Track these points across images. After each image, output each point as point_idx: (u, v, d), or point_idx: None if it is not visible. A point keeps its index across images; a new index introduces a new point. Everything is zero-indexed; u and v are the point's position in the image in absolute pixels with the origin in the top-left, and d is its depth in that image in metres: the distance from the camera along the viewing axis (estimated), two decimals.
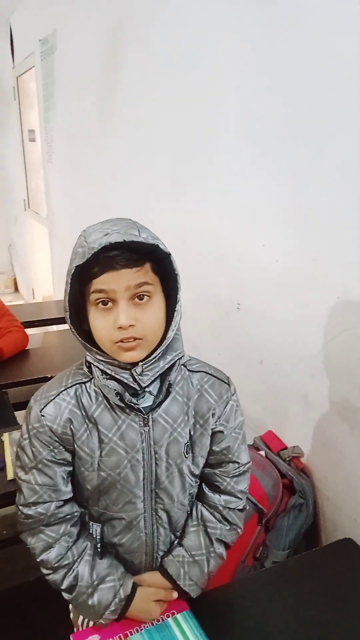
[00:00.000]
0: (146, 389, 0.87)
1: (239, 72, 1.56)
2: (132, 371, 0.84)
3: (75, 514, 0.95)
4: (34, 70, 3.77)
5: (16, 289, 6.06)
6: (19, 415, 2.34)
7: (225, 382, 0.97)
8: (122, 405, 0.86)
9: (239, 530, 1.03)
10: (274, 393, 1.63)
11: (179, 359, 0.88)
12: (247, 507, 1.46)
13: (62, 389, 0.89)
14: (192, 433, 0.94)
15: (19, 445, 0.92)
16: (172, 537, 1.01)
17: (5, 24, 4.38)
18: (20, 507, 0.92)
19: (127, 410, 0.87)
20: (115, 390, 0.84)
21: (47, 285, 4.62)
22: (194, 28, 1.77)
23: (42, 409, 0.88)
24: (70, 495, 0.94)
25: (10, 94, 4.68)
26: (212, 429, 0.95)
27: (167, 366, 0.86)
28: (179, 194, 2.05)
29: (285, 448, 1.59)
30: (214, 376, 0.97)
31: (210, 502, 1.01)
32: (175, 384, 0.90)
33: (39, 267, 4.88)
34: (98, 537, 0.96)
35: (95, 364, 0.85)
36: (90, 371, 0.89)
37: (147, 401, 0.89)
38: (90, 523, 0.96)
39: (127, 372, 0.84)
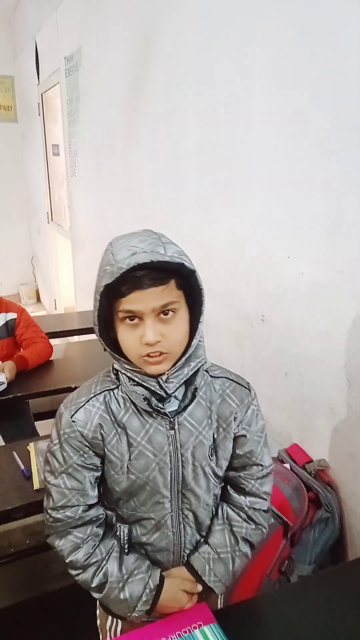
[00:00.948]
0: (172, 395, 0.90)
1: (267, 84, 1.58)
2: (159, 379, 0.88)
3: (101, 516, 0.98)
4: (59, 87, 3.86)
5: (38, 300, 6.15)
6: (41, 425, 2.37)
7: (245, 387, 1.00)
8: (150, 410, 0.89)
9: (264, 530, 1.05)
10: (299, 405, 1.62)
11: (202, 365, 0.91)
12: (272, 520, 1.46)
13: (92, 395, 0.93)
14: (215, 436, 0.97)
15: (48, 451, 0.95)
16: (198, 536, 1.03)
17: (31, 42, 4.50)
18: (49, 511, 0.95)
19: (154, 415, 0.91)
20: (143, 395, 0.88)
21: (69, 296, 4.68)
22: (220, 41, 1.79)
23: (73, 414, 0.91)
24: (96, 500, 0.97)
25: (35, 110, 4.79)
26: (234, 433, 0.98)
27: (191, 373, 0.90)
28: (204, 205, 2.07)
29: (311, 461, 1.58)
30: (235, 382, 1.00)
31: (236, 503, 1.04)
32: (199, 388, 0.93)
33: (61, 279, 4.95)
34: (125, 539, 0.98)
35: (123, 371, 0.89)
36: (118, 378, 0.93)
37: (172, 405, 0.93)
38: (118, 525, 0.99)
39: (153, 380, 0.88)
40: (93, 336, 3.37)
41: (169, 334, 0.84)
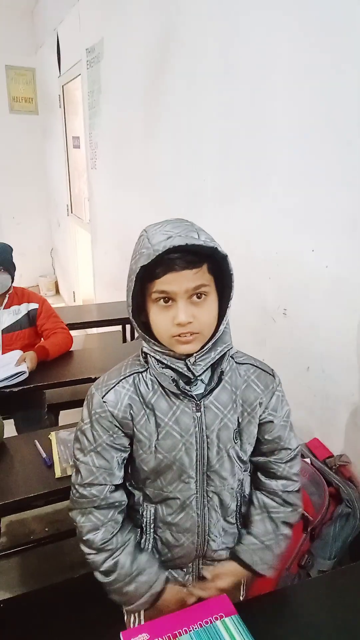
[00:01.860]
0: (198, 378, 0.93)
1: (289, 76, 1.56)
2: (187, 361, 0.91)
3: (123, 502, 1.01)
4: (80, 79, 3.86)
5: (57, 292, 6.19)
6: (64, 415, 2.39)
7: (270, 374, 1.03)
8: (177, 392, 0.92)
9: (299, 510, 1.09)
10: (321, 400, 1.61)
11: (228, 350, 0.94)
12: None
13: (122, 377, 0.96)
14: (240, 420, 0.99)
15: (79, 429, 0.98)
16: (224, 522, 1.05)
17: (52, 35, 4.50)
18: (77, 487, 0.98)
19: (181, 397, 0.94)
20: (171, 377, 0.91)
21: (88, 288, 4.71)
22: (242, 32, 1.78)
23: (104, 395, 0.95)
24: (121, 481, 1.00)
25: (55, 102, 4.81)
26: (260, 419, 1.01)
27: (217, 357, 0.93)
28: (225, 198, 2.06)
29: (332, 456, 1.57)
30: (259, 368, 1.02)
31: (269, 488, 1.07)
32: (225, 373, 0.96)
33: (80, 271, 4.98)
34: (152, 518, 1.02)
35: (152, 354, 0.93)
36: (147, 362, 0.96)
37: (199, 389, 0.95)
38: (145, 504, 1.02)
39: (181, 362, 0.91)
40: (111, 328, 3.39)
41: (200, 316, 0.87)
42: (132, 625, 1.12)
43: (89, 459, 0.97)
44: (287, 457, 1.06)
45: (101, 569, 0.98)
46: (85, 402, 0.99)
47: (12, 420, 2.27)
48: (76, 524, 1.00)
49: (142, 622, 1.03)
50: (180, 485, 0.98)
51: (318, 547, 1.44)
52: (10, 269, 2.19)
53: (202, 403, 0.95)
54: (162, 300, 0.87)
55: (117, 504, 1.00)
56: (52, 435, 1.69)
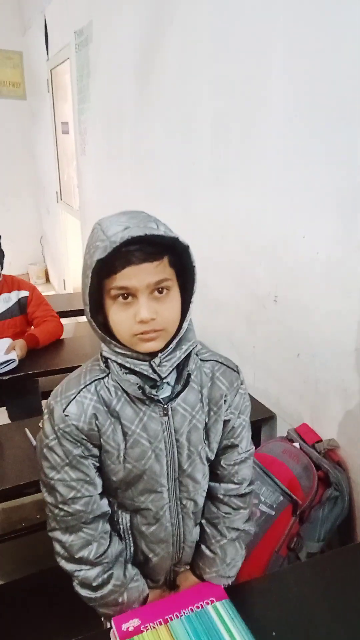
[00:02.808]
0: (165, 380, 0.88)
1: (284, 54, 1.54)
2: (151, 362, 0.85)
3: (108, 512, 0.96)
4: (69, 62, 3.79)
5: (47, 280, 6.15)
6: None
7: (235, 371, 0.99)
8: (143, 397, 0.87)
9: (245, 512, 1.06)
10: (311, 386, 1.62)
11: (193, 348, 0.89)
12: (281, 498, 1.47)
13: (82, 386, 0.89)
14: (207, 420, 0.96)
15: (46, 446, 0.90)
16: (197, 528, 1.04)
17: (40, 16, 4.41)
18: (59, 505, 0.91)
19: (147, 402, 0.89)
20: (137, 384, 0.85)
21: (78, 276, 4.65)
22: (234, 11, 1.75)
23: (65, 408, 0.88)
24: (102, 488, 0.95)
25: (44, 87, 4.73)
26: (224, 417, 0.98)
27: (183, 356, 0.88)
28: (217, 182, 2.04)
29: (320, 440, 1.59)
30: (224, 364, 0.99)
31: (212, 492, 1.05)
32: (191, 373, 0.91)
33: (70, 259, 4.94)
34: (128, 525, 0.98)
35: (114, 358, 0.86)
36: (107, 366, 0.90)
37: (165, 392, 0.91)
38: (120, 512, 0.98)
39: (146, 364, 0.85)
40: None
41: (163, 312, 0.82)
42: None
43: (64, 475, 0.89)
44: (237, 459, 1.02)
45: (94, 584, 0.93)
46: (45, 417, 0.91)
47: (3, 409, 2.27)
48: (62, 543, 0.93)
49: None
50: (152, 495, 0.94)
51: (307, 529, 1.46)
52: None
53: (169, 406, 0.90)
54: (121, 297, 0.81)
55: (103, 514, 0.95)
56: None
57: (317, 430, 1.62)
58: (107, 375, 0.90)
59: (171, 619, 0.94)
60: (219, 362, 0.98)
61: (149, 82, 2.52)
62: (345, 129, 1.35)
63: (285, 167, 1.61)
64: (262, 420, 1.86)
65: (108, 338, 0.85)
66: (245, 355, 1.93)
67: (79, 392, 0.88)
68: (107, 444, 0.90)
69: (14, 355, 2.04)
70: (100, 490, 0.94)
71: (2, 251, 2.20)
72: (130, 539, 1.00)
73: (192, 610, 0.96)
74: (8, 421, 2.18)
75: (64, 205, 4.79)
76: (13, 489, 1.44)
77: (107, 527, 0.96)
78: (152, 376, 0.86)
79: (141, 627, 0.92)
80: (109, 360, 0.88)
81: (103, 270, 0.79)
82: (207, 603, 0.98)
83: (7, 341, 2.14)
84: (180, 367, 0.90)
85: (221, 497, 1.04)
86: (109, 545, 0.95)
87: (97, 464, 0.93)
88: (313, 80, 1.44)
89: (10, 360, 2.03)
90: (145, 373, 0.85)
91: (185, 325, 0.86)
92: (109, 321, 0.84)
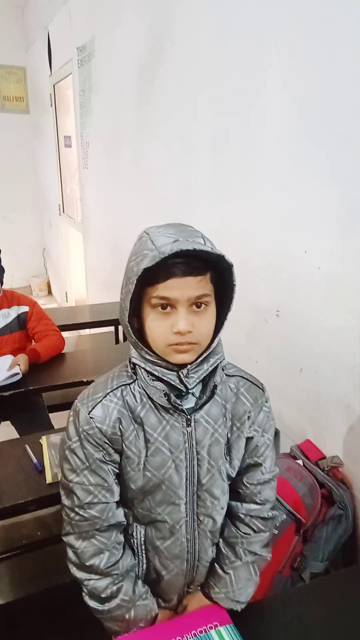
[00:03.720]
0: (190, 391, 0.89)
1: (283, 72, 1.55)
2: (179, 373, 0.87)
3: (123, 522, 0.96)
4: (71, 77, 3.83)
5: (49, 292, 6.16)
6: (54, 417, 2.37)
7: (259, 388, 1.00)
8: (168, 406, 0.88)
9: (265, 535, 1.04)
10: (314, 402, 1.60)
11: (220, 362, 0.91)
12: (284, 516, 1.45)
13: (109, 390, 0.91)
14: (229, 435, 0.96)
15: (68, 448, 0.92)
16: (214, 548, 1.02)
17: (43, 32, 4.47)
18: (76, 509, 0.92)
19: (171, 411, 0.89)
20: (163, 391, 0.87)
21: (81, 289, 4.68)
22: (234, 28, 1.76)
23: (90, 411, 0.89)
24: (119, 497, 0.95)
25: (47, 101, 4.77)
26: (247, 434, 0.98)
27: (210, 369, 0.89)
28: (217, 197, 2.04)
29: (324, 457, 1.56)
30: (249, 381, 1.00)
31: (233, 511, 1.03)
32: (217, 386, 0.92)
33: (72, 271, 4.95)
34: (142, 539, 0.97)
35: (142, 365, 0.88)
36: (135, 373, 0.91)
37: (189, 402, 0.92)
38: (135, 525, 0.97)
39: (173, 374, 0.87)
40: (104, 329, 3.36)
41: (199, 326, 0.83)
42: None
43: (83, 479, 0.91)
44: (260, 479, 1.01)
45: (102, 595, 0.93)
46: (70, 419, 0.93)
47: (7, 423, 2.26)
48: (76, 549, 0.93)
49: None
50: (169, 507, 0.94)
51: (310, 549, 1.44)
52: None
53: (192, 417, 0.91)
54: (160, 307, 0.82)
55: (118, 523, 0.95)
56: (43, 440, 1.67)
57: (320, 446, 1.60)
58: (134, 381, 0.91)
59: None
60: (244, 378, 0.99)
61: (149, 97, 2.54)
62: (345, 145, 1.34)
63: (285, 182, 1.61)
64: None
65: (140, 344, 0.87)
66: (248, 370, 1.90)
67: (105, 396, 0.90)
68: (128, 449, 0.90)
69: (17, 369, 2.03)
70: (117, 498, 0.94)
71: (2, 267, 2.20)
72: (144, 554, 0.99)
73: (194, 635, 0.95)
74: (11, 437, 2.16)
75: (66, 218, 4.81)
76: (10, 508, 1.42)
77: (121, 538, 0.96)
78: (178, 386, 0.87)
79: None
80: (137, 367, 0.90)
81: (146, 278, 0.80)
82: (211, 627, 0.96)
83: (8, 358, 2.13)
84: (206, 379, 0.91)
85: (242, 516, 1.02)
86: (121, 557, 0.95)
87: (117, 471, 0.93)
88: (312, 96, 1.44)
89: (14, 373, 2.02)
90: (173, 383, 0.87)
91: (217, 339, 0.88)
92: (145, 328, 0.86)
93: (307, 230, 1.53)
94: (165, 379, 0.87)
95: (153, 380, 0.88)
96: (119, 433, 0.90)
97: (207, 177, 2.10)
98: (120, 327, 3.07)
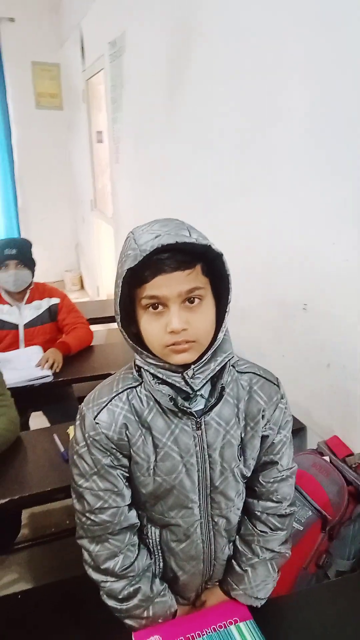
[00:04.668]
0: (198, 392, 0.85)
1: (307, 67, 1.53)
2: (184, 374, 0.83)
3: (137, 524, 0.95)
4: (103, 73, 3.85)
5: (82, 287, 6.24)
6: None
7: (274, 384, 0.95)
8: (175, 409, 0.84)
9: (283, 533, 1.02)
10: (341, 398, 1.58)
11: (229, 360, 0.86)
12: (310, 513, 1.43)
13: (114, 394, 0.88)
14: (243, 435, 0.93)
15: (76, 453, 0.90)
16: (230, 545, 1.02)
17: (76, 29, 4.51)
18: (87, 514, 0.90)
19: (180, 415, 0.86)
20: (169, 395, 0.83)
21: (111, 283, 4.70)
22: (261, 24, 1.74)
23: (96, 416, 0.87)
24: (130, 500, 0.93)
25: (80, 97, 4.82)
26: (261, 433, 0.94)
27: (217, 368, 0.84)
28: (244, 191, 2.03)
29: (352, 454, 1.53)
30: (263, 377, 0.95)
31: (249, 509, 1.01)
32: (226, 386, 0.88)
33: (104, 266, 5.00)
34: (158, 540, 0.96)
35: (146, 367, 0.85)
36: (140, 375, 0.88)
37: (199, 405, 0.88)
38: (149, 526, 0.96)
39: (178, 376, 0.83)
40: None
41: (195, 322, 0.79)
42: None
43: (92, 484, 0.89)
44: (276, 477, 0.99)
45: (120, 597, 0.92)
46: (77, 423, 0.91)
47: (40, 413, 2.31)
48: (90, 552, 0.92)
49: None
50: (182, 511, 0.91)
51: (336, 547, 1.42)
52: (30, 264, 2.20)
53: (202, 420, 0.87)
54: (151, 307, 0.79)
55: (131, 525, 0.93)
56: (70, 430, 1.70)
57: (348, 443, 1.57)
58: (140, 384, 0.88)
59: (193, 638, 0.93)
60: (257, 374, 0.94)
61: (177, 94, 2.53)
62: None
63: (311, 176, 1.58)
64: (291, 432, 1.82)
65: (140, 349, 0.83)
66: (274, 365, 1.89)
67: (110, 400, 0.87)
68: (137, 455, 0.88)
69: (49, 372, 2.06)
70: (128, 501, 0.92)
71: (34, 260, 2.24)
72: (160, 554, 0.97)
73: (214, 629, 0.94)
74: (42, 425, 2.21)
75: (98, 212, 4.86)
76: (38, 495, 1.45)
77: (135, 539, 0.94)
78: (184, 388, 0.83)
79: None
80: (142, 369, 0.86)
81: (134, 279, 0.78)
82: (231, 623, 0.96)
83: (37, 349, 2.17)
84: (215, 379, 0.86)
85: (258, 514, 1.00)
86: (136, 558, 0.93)
87: (127, 475, 0.91)
88: (334, 88, 1.41)
89: (44, 376, 2.05)
90: (178, 385, 0.83)
91: (220, 335, 0.83)
92: (141, 331, 0.82)
93: (334, 222, 1.50)
94: (170, 381, 0.83)
95: (158, 383, 0.84)
96: (125, 439, 0.87)
97: (233, 173, 2.08)
98: None
